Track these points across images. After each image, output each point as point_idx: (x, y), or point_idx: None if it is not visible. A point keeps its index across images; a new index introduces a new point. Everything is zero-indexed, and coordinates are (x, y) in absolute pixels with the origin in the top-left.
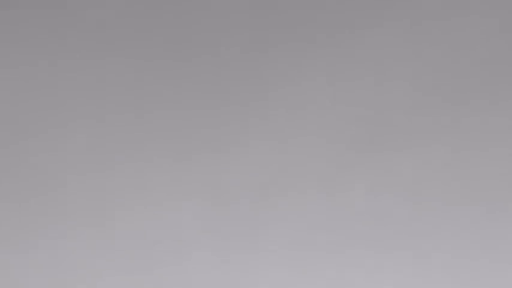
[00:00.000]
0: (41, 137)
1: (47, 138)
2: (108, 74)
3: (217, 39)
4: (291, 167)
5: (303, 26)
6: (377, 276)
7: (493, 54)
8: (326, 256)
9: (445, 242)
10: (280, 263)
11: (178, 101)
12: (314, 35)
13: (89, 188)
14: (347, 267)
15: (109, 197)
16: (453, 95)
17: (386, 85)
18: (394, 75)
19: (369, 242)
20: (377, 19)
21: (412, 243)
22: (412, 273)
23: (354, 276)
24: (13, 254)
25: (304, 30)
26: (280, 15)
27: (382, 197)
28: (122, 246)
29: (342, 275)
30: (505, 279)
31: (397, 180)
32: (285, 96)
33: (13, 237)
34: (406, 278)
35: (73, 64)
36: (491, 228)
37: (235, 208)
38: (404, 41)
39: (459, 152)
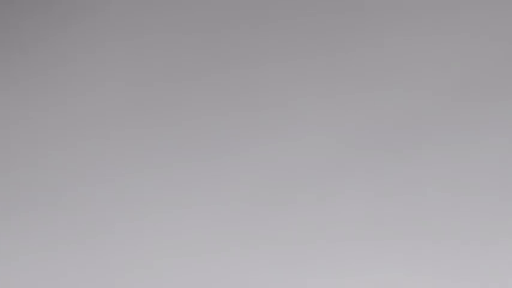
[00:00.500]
0: (41, 137)
1: (47, 138)
2: (108, 73)
3: (220, 40)
4: (291, 167)
5: (304, 27)
6: (377, 276)
7: (494, 57)
8: (326, 256)
9: (446, 242)
10: (280, 263)
11: (178, 101)
12: (316, 36)
13: (89, 191)
14: (347, 267)
15: (109, 199)
16: (453, 95)
17: (386, 85)
18: (394, 75)
19: (368, 242)
20: (377, 19)
21: (412, 244)
22: (412, 273)
23: (354, 276)
24: (13, 254)
25: (305, 31)
26: (286, 14)
27: (382, 198)
28: (122, 247)
29: (342, 275)
30: (505, 279)
31: (398, 181)
32: (285, 98)
33: (13, 237)
34: (406, 278)
35: (73, 64)
36: (491, 228)
37: (235, 208)
38: (404, 42)
39: (459, 152)
